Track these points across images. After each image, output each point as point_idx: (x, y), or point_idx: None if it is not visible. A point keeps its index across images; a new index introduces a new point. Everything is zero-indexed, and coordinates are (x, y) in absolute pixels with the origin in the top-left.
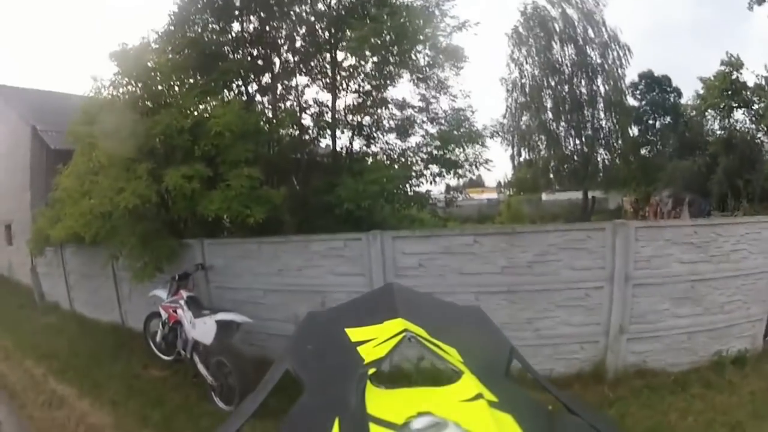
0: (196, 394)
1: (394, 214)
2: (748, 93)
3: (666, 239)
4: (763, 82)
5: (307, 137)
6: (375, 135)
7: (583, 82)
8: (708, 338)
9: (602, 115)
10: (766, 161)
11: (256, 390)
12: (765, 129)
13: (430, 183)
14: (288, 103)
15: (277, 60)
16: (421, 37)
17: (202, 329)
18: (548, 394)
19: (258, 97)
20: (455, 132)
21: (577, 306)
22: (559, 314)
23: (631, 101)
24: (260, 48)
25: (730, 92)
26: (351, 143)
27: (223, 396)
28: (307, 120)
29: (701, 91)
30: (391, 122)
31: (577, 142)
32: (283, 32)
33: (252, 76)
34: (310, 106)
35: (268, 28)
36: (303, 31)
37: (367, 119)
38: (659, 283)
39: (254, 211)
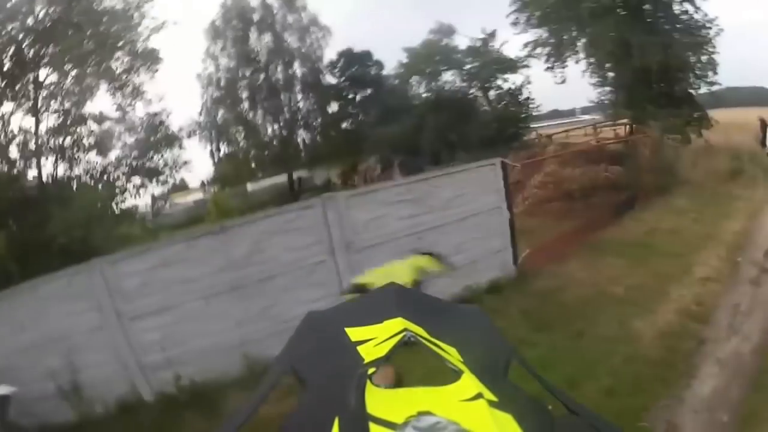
0: None
1: (107, 236)
2: (460, 56)
3: (379, 201)
4: (478, 44)
5: (15, 171)
6: (77, 156)
7: (279, 68)
8: (453, 278)
9: (299, 97)
10: (480, 112)
11: (255, 391)
12: (478, 85)
13: (134, 196)
14: None
15: None
16: (120, 44)
17: None
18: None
19: None
20: (152, 138)
21: (306, 283)
22: (290, 296)
23: (330, 79)
24: None
25: (438, 57)
26: (55, 169)
27: None
28: (13, 152)
29: (405, 61)
30: (91, 139)
31: (276, 127)
32: None
33: None
34: (16, 135)
35: None
36: (11, 51)
37: (68, 140)
38: (382, 242)
39: None
